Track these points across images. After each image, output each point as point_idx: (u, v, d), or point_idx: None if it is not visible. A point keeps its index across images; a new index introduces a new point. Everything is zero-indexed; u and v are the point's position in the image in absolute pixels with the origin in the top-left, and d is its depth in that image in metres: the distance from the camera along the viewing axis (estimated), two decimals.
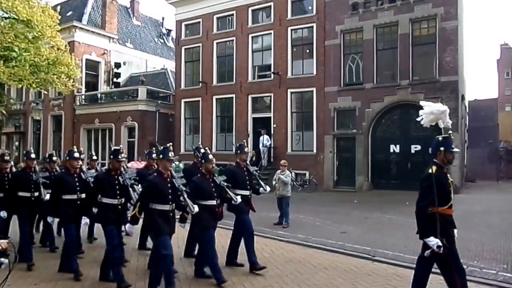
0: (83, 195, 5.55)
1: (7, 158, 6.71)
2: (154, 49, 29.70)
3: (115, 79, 25.93)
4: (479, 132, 28.41)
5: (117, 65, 25.94)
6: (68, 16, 24.65)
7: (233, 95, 20.13)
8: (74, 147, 6.32)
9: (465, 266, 5.75)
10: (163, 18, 32.57)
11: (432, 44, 15.85)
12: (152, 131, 22.36)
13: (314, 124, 18.03)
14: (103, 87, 25.82)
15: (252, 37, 19.80)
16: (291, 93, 18.76)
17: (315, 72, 18.11)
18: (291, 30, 18.82)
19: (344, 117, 17.46)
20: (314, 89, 18.08)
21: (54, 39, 15.85)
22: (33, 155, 6.45)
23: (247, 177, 5.83)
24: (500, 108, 42.69)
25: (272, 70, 19.09)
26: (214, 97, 20.80)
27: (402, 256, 6.33)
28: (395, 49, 16.38)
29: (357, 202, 13.07)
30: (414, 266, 5.75)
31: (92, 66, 25.40)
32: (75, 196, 5.52)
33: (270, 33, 19.23)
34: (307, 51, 18.69)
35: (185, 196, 4.67)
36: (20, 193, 6.19)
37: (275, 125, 18.90)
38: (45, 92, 21.79)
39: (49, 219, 5.79)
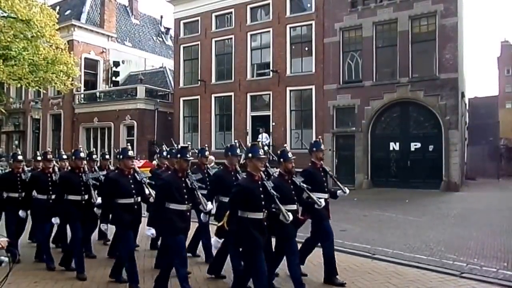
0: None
1: (50, 156, 6.12)
2: (152, 48, 29.67)
3: (114, 78, 25.92)
4: (479, 130, 28.33)
5: (116, 64, 25.92)
6: (66, 15, 24.60)
7: (232, 93, 20.08)
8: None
9: (464, 264, 5.82)
10: (161, 17, 32.51)
11: (431, 41, 15.77)
12: (151, 130, 22.34)
13: (313, 122, 17.98)
14: (102, 86, 25.80)
15: (251, 35, 19.74)
16: (290, 91, 18.71)
17: (314, 70, 18.06)
18: (290, 28, 18.75)
19: (343, 115, 17.41)
20: (313, 87, 18.03)
21: (53, 38, 15.84)
22: (82, 154, 5.85)
23: (324, 179, 5.19)
24: (501, 105, 42.56)
25: (271, 68, 19.03)
26: (213, 96, 20.75)
27: (401, 254, 6.33)
28: (395, 47, 16.30)
29: (357, 200, 13.03)
30: (414, 264, 5.75)
31: (91, 65, 25.38)
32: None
33: (269, 31, 19.17)
34: (306, 49, 18.62)
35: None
36: (70, 197, 5.55)
37: (274, 123, 18.86)
38: (44, 92, 21.77)
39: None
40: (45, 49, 15.67)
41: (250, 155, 3.97)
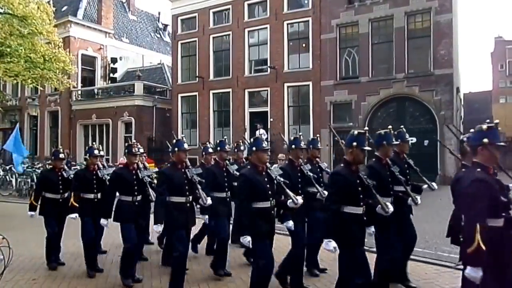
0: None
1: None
2: (150, 44, 29.66)
3: (111, 75, 25.89)
4: (473, 124, 28.41)
5: (114, 60, 25.88)
6: (63, 11, 24.55)
7: (230, 90, 20.22)
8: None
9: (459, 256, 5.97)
10: (159, 13, 32.45)
11: (427, 38, 16.00)
12: (149, 127, 22.40)
13: (311, 118, 18.18)
14: (99, 83, 25.79)
15: (248, 31, 19.87)
16: (288, 87, 18.88)
17: (311, 66, 18.22)
18: (287, 24, 18.89)
19: (340, 110, 17.62)
20: (310, 83, 18.21)
21: (51, 35, 15.84)
22: (140, 150, 5.42)
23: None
24: (494, 100, 43.12)
25: (268, 65, 19.19)
26: (211, 92, 20.87)
27: None
28: (391, 43, 16.52)
29: None
30: (410, 257, 5.68)
31: (88, 61, 25.35)
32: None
33: (266, 27, 19.30)
34: (303, 45, 18.79)
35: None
36: (123, 197, 5.00)
37: (271, 119, 19.03)
38: (41, 89, 21.76)
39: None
40: (43, 47, 15.68)
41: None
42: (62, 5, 25.30)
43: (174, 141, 4.60)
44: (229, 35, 20.32)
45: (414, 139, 15.98)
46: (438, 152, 15.42)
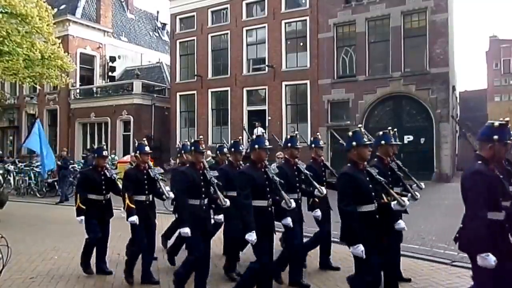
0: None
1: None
2: (149, 43, 29.72)
3: (110, 73, 25.95)
4: (468, 122, 28.99)
5: (112, 59, 25.93)
6: (61, 10, 24.47)
7: (228, 88, 20.34)
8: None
9: (455, 253, 5.78)
10: (157, 12, 32.49)
11: (423, 37, 16.18)
12: (148, 125, 22.51)
13: (308, 116, 18.34)
14: (98, 81, 25.82)
15: (247, 30, 19.99)
16: (286, 85, 19.04)
17: (308, 65, 18.38)
18: (285, 23, 19.04)
19: (338, 109, 17.80)
20: (308, 82, 18.37)
21: (50, 34, 15.89)
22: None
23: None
24: (489, 98, 43.55)
25: (266, 63, 19.32)
26: (210, 90, 20.99)
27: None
28: (387, 42, 16.70)
29: None
30: (406, 254, 5.56)
31: (87, 60, 25.38)
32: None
33: (264, 27, 19.44)
34: (301, 44, 18.94)
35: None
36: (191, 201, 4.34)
37: (270, 118, 19.18)
38: (39, 87, 21.79)
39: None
40: (41, 45, 15.72)
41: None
42: (61, 4, 25.26)
43: (254, 137, 4.23)
44: (227, 34, 20.43)
45: (411, 137, 16.24)
46: (434, 150, 15.64)
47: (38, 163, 14.45)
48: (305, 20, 18.51)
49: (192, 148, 4.44)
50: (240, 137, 5.83)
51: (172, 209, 6.26)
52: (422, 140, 16.07)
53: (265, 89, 19.52)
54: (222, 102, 20.90)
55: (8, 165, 17.01)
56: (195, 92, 21.33)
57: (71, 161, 17.67)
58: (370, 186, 3.54)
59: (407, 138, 16.26)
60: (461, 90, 32.86)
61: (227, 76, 20.37)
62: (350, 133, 3.69)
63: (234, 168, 5.08)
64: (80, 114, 24.30)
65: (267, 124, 19.08)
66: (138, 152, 4.96)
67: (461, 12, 68.58)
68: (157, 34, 31.23)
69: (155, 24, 31.89)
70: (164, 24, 31.07)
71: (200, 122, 21.10)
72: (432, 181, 14.89)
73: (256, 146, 4.01)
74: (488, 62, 52.07)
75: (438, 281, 4.89)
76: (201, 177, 4.34)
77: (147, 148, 4.96)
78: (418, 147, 16.04)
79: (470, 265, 5.25)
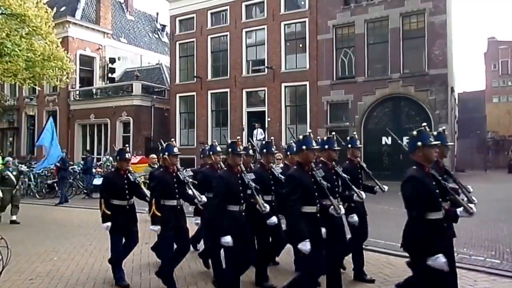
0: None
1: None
2: (148, 44, 29.77)
3: (110, 75, 25.98)
4: (467, 123, 29.09)
5: (112, 61, 25.98)
6: (61, 11, 24.56)
7: (228, 90, 20.38)
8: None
9: (455, 254, 6.07)
10: (157, 14, 32.57)
11: (421, 38, 16.23)
12: (148, 126, 22.55)
13: (308, 117, 18.37)
14: (98, 83, 25.86)
15: (246, 32, 20.03)
16: (285, 87, 19.08)
17: (308, 66, 18.43)
18: (284, 25, 19.09)
19: (337, 110, 17.85)
20: (307, 83, 18.41)
21: (49, 35, 15.91)
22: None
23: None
24: (488, 99, 43.60)
25: (266, 65, 19.36)
26: (209, 92, 21.02)
27: (394, 245, 6.17)
28: (386, 43, 16.76)
29: None
30: (406, 254, 5.72)
31: (86, 61, 25.43)
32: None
33: (264, 28, 19.48)
34: (300, 45, 18.98)
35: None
36: (230, 207, 4.11)
37: (269, 119, 19.21)
38: (39, 88, 21.81)
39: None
40: (41, 46, 15.73)
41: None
42: (61, 5, 25.32)
43: (298, 141, 4.01)
44: (227, 35, 20.48)
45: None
46: None
47: (37, 165, 14.46)
48: (304, 21, 18.56)
49: (229, 149, 4.16)
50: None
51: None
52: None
53: (264, 90, 19.55)
54: (221, 104, 20.93)
55: (21, 166, 16.87)
56: (194, 93, 21.36)
57: (71, 162, 17.71)
58: (437, 191, 3.27)
59: (406, 139, 16.26)
60: (459, 91, 32.99)
61: (226, 78, 20.41)
62: (415, 133, 3.37)
63: (266, 171, 4.84)
64: (79, 116, 24.34)
65: (266, 125, 19.11)
66: (166, 153, 4.58)
67: (460, 13, 68.70)
68: (156, 36, 31.29)
69: (154, 25, 31.95)
70: (164, 26, 31.15)
71: (200, 124, 21.13)
72: None
73: (304, 147, 3.79)
74: (486, 63, 52.21)
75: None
76: (239, 181, 4.12)
77: (176, 149, 4.64)
78: None
79: (468, 266, 5.39)
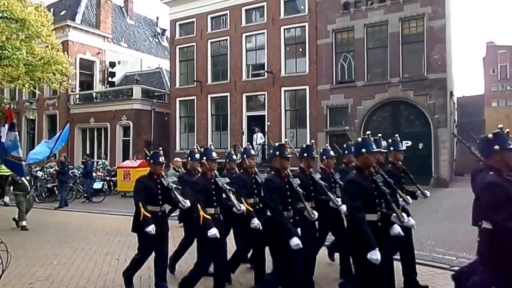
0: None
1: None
2: (148, 49, 29.84)
3: (110, 79, 26.03)
4: (466, 127, 29.11)
5: (112, 65, 26.04)
6: (61, 15, 24.67)
7: (228, 94, 20.42)
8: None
9: (454, 258, 5.96)
10: (157, 18, 32.69)
11: (420, 43, 16.29)
12: (148, 130, 22.57)
13: (307, 121, 18.40)
14: (98, 87, 25.90)
15: (246, 36, 20.10)
16: (285, 91, 19.13)
17: (307, 71, 18.48)
18: (284, 29, 19.16)
19: (337, 114, 17.88)
20: (307, 87, 18.46)
21: (49, 39, 15.95)
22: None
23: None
24: (487, 104, 43.82)
25: (265, 69, 19.41)
26: (209, 96, 21.06)
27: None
28: (385, 48, 16.82)
29: None
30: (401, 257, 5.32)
31: (86, 65, 25.48)
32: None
33: (264, 33, 19.55)
34: (300, 50, 19.04)
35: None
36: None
37: (269, 123, 19.23)
38: (39, 92, 21.84)
39: None
40: (41, 50, 15.76)
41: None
42: (61, 10, 25.44)
43: (356, 144, 3.74)
44: (226, 40, 20.55)
45: (409, 142, 16.31)
46: (432, 155, 15.72)
47: (38, 168, 14.43)
48: (304, 26, 18.64)
49: (277, 152, 4.02)
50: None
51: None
52: (420, 145, 16.15)
53: (264, 94, 19.59)
54: (221, 108, 20.97)
55: (36, 171, 16.78)
56: (194, 97, 21.40)
57: (70, 166, 17.69)
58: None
59: (405, 144, 16.29)
60: (458, 95, 33.10)
61: (226, 82, 20.46)
62: (490, 135, 3.16)
63: (306, 176, 4.59)
64: (79, 119, 24.32)
65: (266, 130, 19.14)
66: (205, 158, 4.39)
67: (459, 18, 69.13)
68: (156, 40, 31.38)
69: (154, 29, 32.06)
70: (164, 30, 31.24)
71: (200, 128, 21.15)
72: (430, 186, 14.92)
73: (363, 150, 3.52)
74: (485, 67, 52.40)
75: (437, 285, 4.91)
76: (287, 186, 4.00)
77: (214, 154, 4.41)
78: (416, 152, 16.10)
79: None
